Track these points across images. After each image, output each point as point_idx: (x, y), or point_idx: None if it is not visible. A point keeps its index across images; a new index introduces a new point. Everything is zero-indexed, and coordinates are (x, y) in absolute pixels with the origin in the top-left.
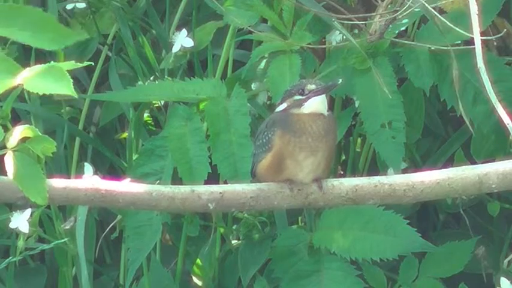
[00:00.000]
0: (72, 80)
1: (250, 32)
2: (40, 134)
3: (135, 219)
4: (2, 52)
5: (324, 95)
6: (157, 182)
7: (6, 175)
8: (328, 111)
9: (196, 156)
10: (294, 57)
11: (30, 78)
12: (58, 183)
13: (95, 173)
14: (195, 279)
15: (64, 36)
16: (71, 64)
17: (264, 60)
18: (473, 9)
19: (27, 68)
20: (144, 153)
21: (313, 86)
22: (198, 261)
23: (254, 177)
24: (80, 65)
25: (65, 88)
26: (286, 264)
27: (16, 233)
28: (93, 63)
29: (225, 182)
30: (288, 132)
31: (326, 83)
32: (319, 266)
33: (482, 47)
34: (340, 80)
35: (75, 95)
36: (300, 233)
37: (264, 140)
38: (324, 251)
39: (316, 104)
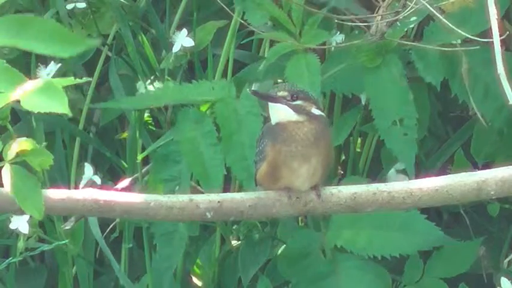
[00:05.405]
0: (67, 98)
1: (252, 32)
2: (38, 147)
3: (162, 227)
4: (3, 61)
5: (278, 104)
6: (177, 187)
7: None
8: (319, 114)
9: (210, 159)
10: (309, 56)
11: (27, 95)
12: (56, 194)
13: (95, 173)
14: (195, 279)
15: (75, 44)
16: (70, 80)
17: (264, 61)
18: (493, 12)
19: (26, 83)
20: (158, 159)
21: (285, 93)
22: (198, 261)
23: (256, 185)
24: (78, 81)
25: (60, 107)
26: (298, 267)
27: (16, 233)
28: (91, 79)
29: (225, 189)
30: (278, 142)
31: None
32: (334, 266)
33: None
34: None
35: (69, 113)
36: (310, 233)
37: (259, 149)
38: (338, 250)
39: (277, 114)
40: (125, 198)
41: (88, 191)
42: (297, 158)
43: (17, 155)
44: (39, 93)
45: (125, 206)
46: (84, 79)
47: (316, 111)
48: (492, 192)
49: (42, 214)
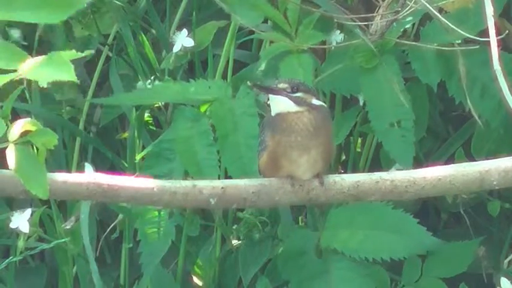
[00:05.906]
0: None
1: (252, 32)
2: (42, 127)
3: (146, 223)
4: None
5: (278, 95)
6: None
7: (7, 169)
8: (320, 104)
9: (204, 159)
10: (303, 57)
11: (32, 68)
12: (59, 177)
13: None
14: (195, 279)
15: (65, 6)
16: (72, 54)
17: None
18: (489, 11)
19: (29, 59)
20: (151, 156)
21: (285, 85)
22: (199, 261)
23: (260, 173)
24: (81, 54)
25: (67, 74)
26: (294, 266)
27: (16, 233)
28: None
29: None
30: (277, 133)
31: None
32: (327, 266)
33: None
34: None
35: (76, 80)
36: (307, 233)
37: (261, 139)
38: (332, 250)
39: (277, 105)
40: (129, 183)
41: (92, 175)
42: (296, 148)
43: (21, 136)
44: (45, 65)
45: (129, 191)
46: (86, 52)
47: (316, 101)
48: (495, 183)
49: (47, 194)
